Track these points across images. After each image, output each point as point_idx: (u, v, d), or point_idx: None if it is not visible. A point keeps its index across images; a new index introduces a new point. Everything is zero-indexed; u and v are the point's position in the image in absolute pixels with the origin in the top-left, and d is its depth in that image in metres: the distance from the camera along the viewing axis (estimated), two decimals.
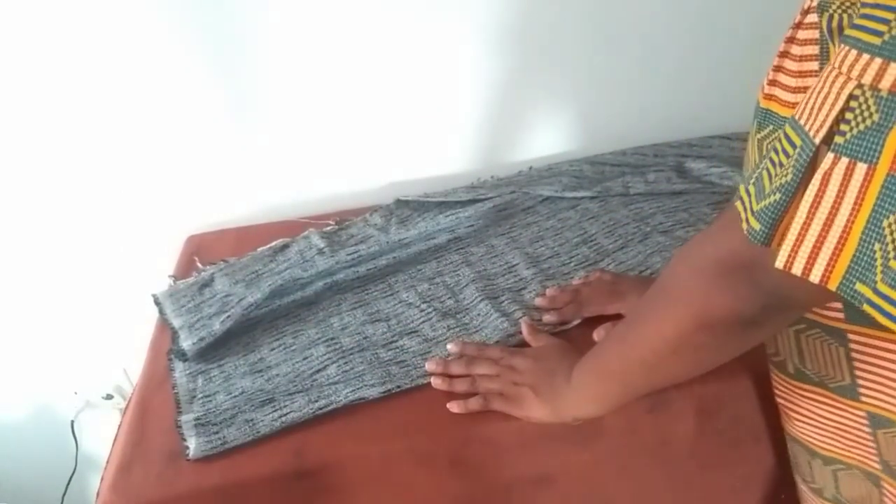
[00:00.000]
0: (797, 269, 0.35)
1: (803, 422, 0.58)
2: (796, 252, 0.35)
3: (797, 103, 0.45)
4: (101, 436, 1.27)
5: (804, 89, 0.45)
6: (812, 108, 0.36)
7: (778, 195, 0.36)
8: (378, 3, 0.98)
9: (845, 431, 0.53)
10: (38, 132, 0.98)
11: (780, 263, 0.36)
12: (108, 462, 0.71)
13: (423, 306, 0.85)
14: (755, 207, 0.38)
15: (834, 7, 0.40)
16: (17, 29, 0.90)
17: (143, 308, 0.92)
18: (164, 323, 0.88)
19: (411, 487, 0.70)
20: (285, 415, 0.69)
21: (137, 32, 0.92)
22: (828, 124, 0.33)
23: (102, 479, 0.69)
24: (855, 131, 0.32)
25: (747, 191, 0.41)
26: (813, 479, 0.60)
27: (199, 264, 0.99)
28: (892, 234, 0.32)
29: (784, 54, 0.47)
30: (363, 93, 1.05)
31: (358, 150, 1.11)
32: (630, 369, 0.56)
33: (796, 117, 0.38)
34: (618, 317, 0.77)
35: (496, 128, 1.15)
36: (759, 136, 0.51)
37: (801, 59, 0.45)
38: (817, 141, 0.34)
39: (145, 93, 0.97)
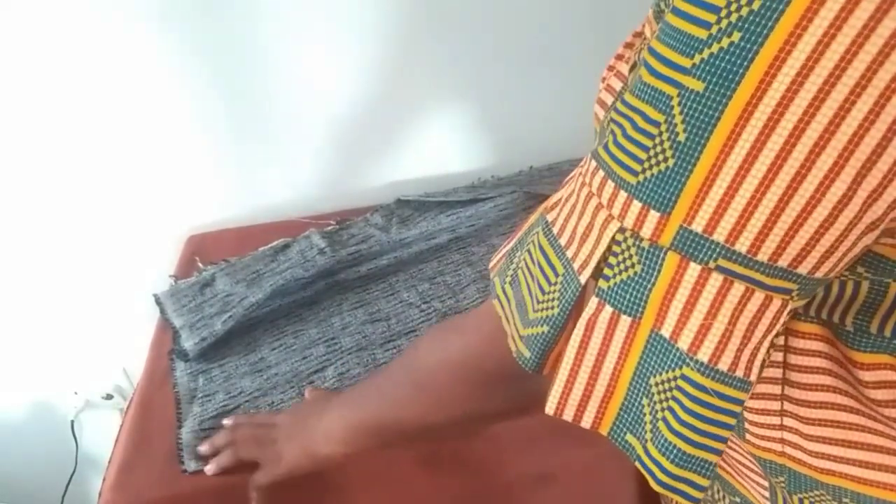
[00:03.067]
0: (568, 416, 0.34)
1: None
2: (566, 400, 0.34)
3: (603, 103, 0.43)
4: (101, 436, 1.27)
5: (611, 89, 0.42)
6: (572, 232, 0.33)
7: (546, 328, 0.34)
8: (379, 3, 0.98)
9: (740, 465, 0.45)
10: (39, 133, 0.98)
11: (549, 410, 0.34)
12: (109, 462, 0.71)
13: (424, 306, 0.85)
14: (521, 331, 0.36)
15: (645, 38, 0.38)
16: (18, 31, 0.90)
17: (143, 308, 0.92)
18: (165, 323, 0.88)
19: (412, 486, 0.70)
20: None
21: (139, 34, 0.92)
22: (592, 264, 0.31)
23: (104, 479, 0.69)
24: (618, 279, 0.31)
25: (504, 292, 0.39)
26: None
27: (200, 264, 0.99)
28: (659, 392, 0.31)
29: (620, 57, 0.45)
30: (364, 92, 1.05)
31: (358, 150, 1.11)
32: (392, 435, 0.54)
33: (554, 230, 0.35)
34: None
35: (496, 127, 1.15)
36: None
37: (628, 61, 0.42)
38: (582, 280, 0.32)
39: (146, 93, 0.97)
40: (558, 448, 0.71)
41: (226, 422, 0.71)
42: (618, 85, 0.41)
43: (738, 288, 0.28)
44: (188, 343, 0.81)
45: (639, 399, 0.32)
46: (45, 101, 0.95)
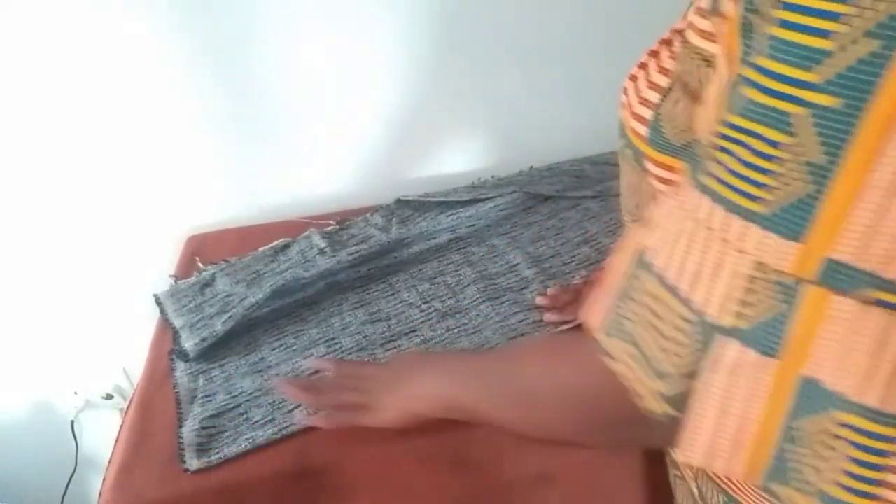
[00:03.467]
0: (699, 462, 0.32)
1: None
2: (697, 444, 0.32)
3: (633, 129, 0.41)
4: (101, 436, 1.27)
5: (639, 117, 0.40)
6: (692, 275, 0.31)
7: (689, 381, 0.32)
8: (379, 3, 0.98)
9: None
10: (39, 133, 0.98)
11: (679, 456, 0.33)
12: (109, 462, 0.71)
13: (424, 306, 0.85)
14: (650, 386, 0.34)
15: (689, 46, 0.36)
16: (18, 30, 0.89)
17: (143, 308, 0.92)
18: (165, 323, 0.88)
19: (412, 487, 0.70)
20: (285, 427, 0.70)
21: (139, 33, 0.92)
22: (725, 306, 0.29)
23: (104, 479, 0.69)
24: (753, 317, 0.29)
25: (618, 349, 0.36)
26: (668, 467, 0.59)
27: (200, 264, 0.99)
28: (804, 437, 0.29)
29: (643, 66, 0.43)
30: (364, 92, 1.05)
31: (358, 150, 1.11)
32: (481, 421, 0.54)
33: (663, 274, 0.32)
34: None
35: (497, 127, 1.15)
36: (619, 144, 0.47)
37: (650, 85, 0.40)
38: (714, 322, 0.30)
39: (146, 93, 0.97)
40: (558, 448, 0.70)
41: (317, 363, 0.73)
42: (664, 81, 0.39)
43: (889, 318, 0.26)
44: (188, 343, 0.81)
45: (780, 444, 0.29)
46: (45, 101, 0.95)
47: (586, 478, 0.74)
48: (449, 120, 1.11)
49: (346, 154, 1.10)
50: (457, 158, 1.16)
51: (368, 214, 1.06)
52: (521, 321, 0.81)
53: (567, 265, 0.91)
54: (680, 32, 0.39)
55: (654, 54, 0.42)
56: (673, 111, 0.38)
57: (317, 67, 1.01)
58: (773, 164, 0.26)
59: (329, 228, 1.04)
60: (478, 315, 0.82)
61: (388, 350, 0.78)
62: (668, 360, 0.33)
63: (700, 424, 0.31)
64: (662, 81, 0.39)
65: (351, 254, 0.91)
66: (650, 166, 0.41)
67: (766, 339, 0.28)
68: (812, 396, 0.28)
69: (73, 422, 1.24)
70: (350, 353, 0.78)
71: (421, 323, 0.82)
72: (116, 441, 0.74)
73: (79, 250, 1.08)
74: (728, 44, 0.30)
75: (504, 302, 0.84)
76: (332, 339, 0.81)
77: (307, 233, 1.02)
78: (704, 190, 0.30)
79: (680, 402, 0.32)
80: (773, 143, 0.26)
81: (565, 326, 0.79)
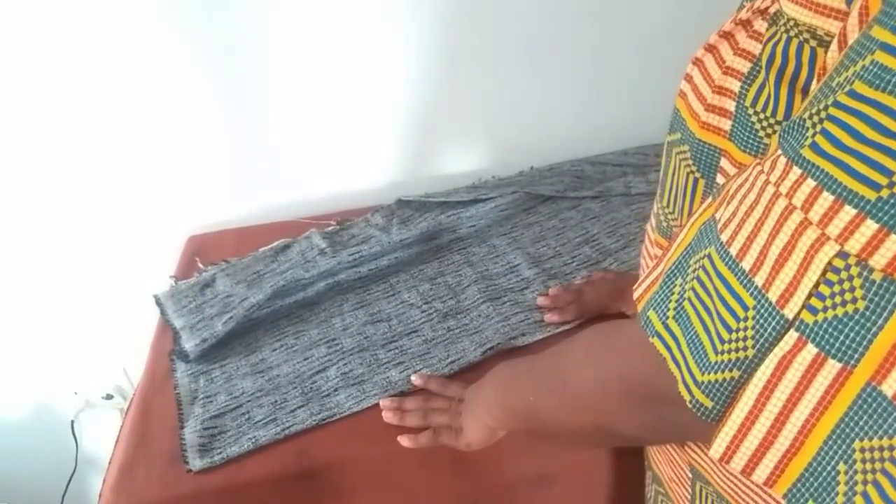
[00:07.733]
0: (736, 466, 0.29)
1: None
2: (737, 446, 0.29)
3: (708, 124, 0.37)
4: (101, 436, 1.27)
5: (718, 109, 0.37)
6: (760, 255, 0.28)
7: (735, 373, 0.29)
8: (379, 4, 0.98)
9: (673, 464, 0.49)
10: (39, 133, 0.97)
11: (715, 454, 0.30)
12: (110, 463, 0.71)
13: (425, 307, 0.85)
14: (699, 377, 0.30)
15: (782, 23, 0.33)
16: (19, 29, 0.89)
17: (143, 308, 0.92)
18: (165, 323, 0.88)
19: (413, 488, 0.70)
20: (288, 427, 0.70)
21: (139, 33, 0.92)
22: (801, 299, 0.26)
23: (104, 479, 0.69)
24: (830, 314, 0.25)
25: (668, 328, 0.33)
26: (648, 483, 0.57)
27: (200, 265, 0.99)
28: (865, 461, 0.25)
29: (711, 49, 0.39)
30: (364, 93, 1.04)
31: (359, 150, 1.10)
32: (530, 421, 0.52)
33: (731, 252, 0.29)
34: (620, 315, 0.77)
35: (497, 127, 1.15)
36: (669, 138, 0.44)
37: (727, 70, 0.36)
38: (788, 314, 0.26)
39: (146, 93, 0.97)
40: (558, 449, 0.71)
41: (414, 378, 0.73)
42: (744, 65, 0.35)
43: None
44: (189, 344, 0.81)
45: (833, 463, 0.26)
46: (46, 101, 0.95)
47: (586, 478, 0.75)
48: (449, 120, 1.11)
49: (346, 154, 1.10)
50: (457, 158, 1.15)
51: (369, 214, 1.06)
52: (522, 321, 0.81)
53: (568, 265, 0.91)
54: (758, 11, 0.36)
55: (727, 36, 0.38)
56: (762, 99, 0.34)
57: (317, 68, 1.01)
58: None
59: (329, 229, 1.04)
60: (479, 315, 0.82)
61: (389, 351, 0.78)
62: (720, 349, 0.29)
63: (746, 426, 0.28)
64: (742, 66, 0.35)
65: (351, 254, 0.91)
66: (726, 165, 0.37)
67: (833, 338, 0.25)
68: (876, 413, 0.25)
69: (73, 422, 1.24)
70: (351, 354, 0.78)
71: (422, 323, 0.82)
72: (117, 441, 0.74)
73: (79, 250, 1.08)
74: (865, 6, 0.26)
75: (505, 302, 0.84)
76: (333, 339, 0.81)
77: (307, 233, 1.02)
78: (796, 160, 0.26)
79: (724, 396, 0.30)
80: None
81: (566, 327, 0.79)
